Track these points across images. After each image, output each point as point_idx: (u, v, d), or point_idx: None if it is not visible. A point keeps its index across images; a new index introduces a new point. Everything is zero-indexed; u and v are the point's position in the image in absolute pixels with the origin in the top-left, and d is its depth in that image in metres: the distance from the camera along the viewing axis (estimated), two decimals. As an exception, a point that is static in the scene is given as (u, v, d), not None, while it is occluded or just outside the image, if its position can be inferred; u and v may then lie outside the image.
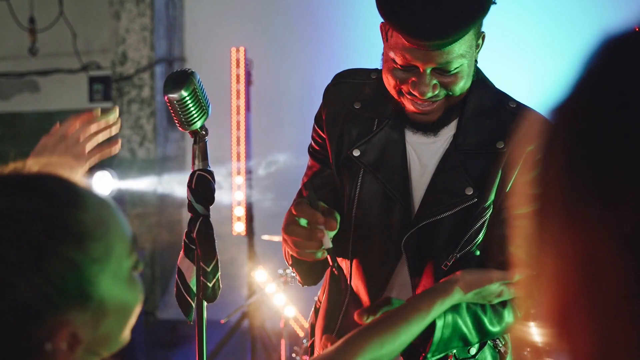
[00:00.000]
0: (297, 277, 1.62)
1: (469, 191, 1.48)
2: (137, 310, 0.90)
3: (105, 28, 5.92)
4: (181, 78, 1.28)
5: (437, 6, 1.34)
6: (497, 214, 1.50)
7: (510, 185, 1.48)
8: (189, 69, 1.30)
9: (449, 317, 1.39)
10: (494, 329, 1.47)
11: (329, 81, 1.65)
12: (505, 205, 1.49)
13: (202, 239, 1.33)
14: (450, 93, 1.45)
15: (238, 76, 4.69)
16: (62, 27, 5.81)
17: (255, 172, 4.98)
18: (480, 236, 1.51)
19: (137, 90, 5.74)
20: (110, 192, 4.45)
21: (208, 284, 1.31)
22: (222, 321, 3.77)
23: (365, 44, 5.27)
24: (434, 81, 1.42)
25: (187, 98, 1.28)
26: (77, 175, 0.87)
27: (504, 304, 1.48)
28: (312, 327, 1.69)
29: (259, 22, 5.52)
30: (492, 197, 1.49)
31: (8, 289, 0.76)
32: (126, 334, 0.90)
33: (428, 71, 1.41)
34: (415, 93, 1.43)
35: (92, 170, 4.32)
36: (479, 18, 1.38)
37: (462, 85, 1.45)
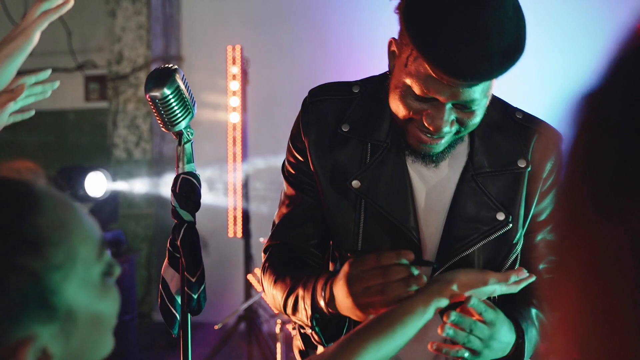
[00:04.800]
0: (317, 337, 1.39)
1: (501, 216, 1.38)
2: (113, 319, 0.81)
3: (101, 26, 5.85)
4: (164, 75, 1.20)
5: (482, 45, 1.20)
6: (527, 240, 1.43)
7: (534, 207, 1.41)
8: (172, 65, 1.22)
9: (531, 333, 1.35)
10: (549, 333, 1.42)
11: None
12: (533, 229, 1.43)
13: (187, 247, 1.25)
14: (463, 129, 1.34)
15: (234, 75, 4.61)
16: (57, 25, 5.73)
17: (251, 173, 4.91)
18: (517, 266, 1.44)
19: (134, 90, 5.68)
20: (105, 192, 4.38)
21: (193, 295, 1.24)
22: (216, 327, 3.70)
23: (363, 42, 5.22)
24: (453, 116, 1.30)
25: (170, 96, 1.20)
26: (31, 175, 0.78)
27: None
28: (302, 353, 1.53)
29: (255, 20, 5.46)
30: (521, 220, 1.41)
31: None
32: (107, 345, 0.81)
33: (449, 106, 1.29)
34: (431, 127, 1.30)
35: (86, 170, 4.26)
36: (521, 57, 1.25)
37: (477, 121, 1.33)
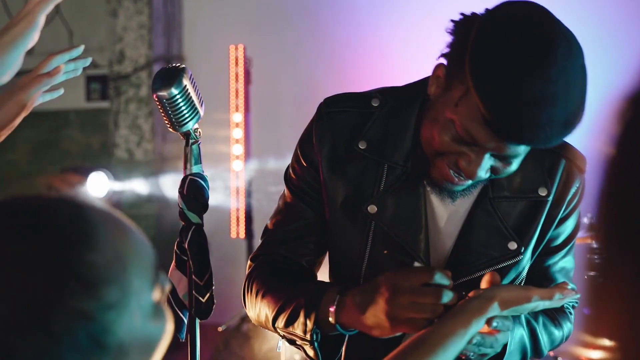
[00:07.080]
0: (312, 354, 1.32)
1: (513, 246, 1.33)
2: (164, 337, 0.76)
3: (102, 26, 5.83)
4: (171, 74, 1.17)
5: (547, 111, 1.15)
6: (536, 262, 1.39)
7: (550, 232, 1.37)
8: (180, 65, 1.20)
9: (517, 332, 1.30)
10: (546, 349, 1.38)
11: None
12: (546, 253, 1.39)
13: (194, 249, 1.23)
14: (493, 176, 1.28)
15: (237, 75, 4.59)
16: (58, 25, 5.71)
17: (254, 173, 4.89)
18: None
19: (135, 90, 5.66)
20: (106, 192, 4.37)
21: (201, 299, 1.21)
22: (220, 329, 3.68)
23: (367, 43, 5.20)
24: (489, 164, 1.24)
25: (178, 96, 1.17)
26: (85, 194, 0.73)
27: (559, 323, 1.40)
28: None
29: (258, 19, 5.44)
30: (531, 249, 1.36)
31: (4, 352, 0.64)
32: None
33: (488, 155, 1.23)
34: (465, 172, 1.24)
35: (87, 170, 4.25)
36: (579, 124, 1.20)
37: (511, 170, 1.28)
